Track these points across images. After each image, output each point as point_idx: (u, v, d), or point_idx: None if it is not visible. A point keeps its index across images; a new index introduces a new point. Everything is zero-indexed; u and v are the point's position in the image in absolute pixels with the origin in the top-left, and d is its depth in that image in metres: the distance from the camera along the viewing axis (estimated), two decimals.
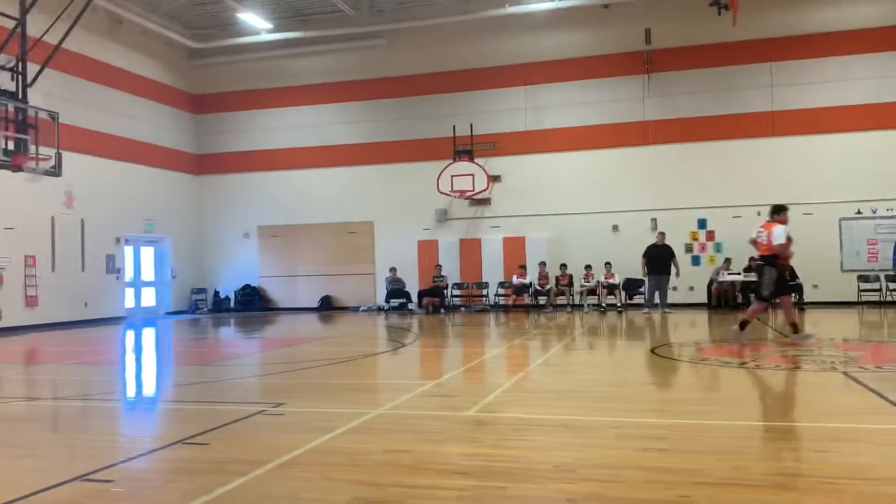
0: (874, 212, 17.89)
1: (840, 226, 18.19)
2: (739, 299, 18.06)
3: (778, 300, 10.84)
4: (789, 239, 10.26)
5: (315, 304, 21.87)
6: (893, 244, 17.03)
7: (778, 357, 9.36)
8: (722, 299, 18.12)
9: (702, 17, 18.49)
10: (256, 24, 20.26)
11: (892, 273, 17.45)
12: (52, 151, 14.02)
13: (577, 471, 4.12)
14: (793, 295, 11.10)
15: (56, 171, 14.13)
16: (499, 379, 8.28)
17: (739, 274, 18.03)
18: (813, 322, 14.78)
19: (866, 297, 17.74)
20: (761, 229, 10.40)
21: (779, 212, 10.39)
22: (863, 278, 17.86)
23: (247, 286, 22.49)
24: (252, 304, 22.22)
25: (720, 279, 18.13)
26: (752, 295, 10.88)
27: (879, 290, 17.69)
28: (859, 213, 18.08)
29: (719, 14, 17.96)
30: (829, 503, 3.50)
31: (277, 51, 21.79)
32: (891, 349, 10.24)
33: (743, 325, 10.54)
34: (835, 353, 9.36)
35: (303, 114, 22.43)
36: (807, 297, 17.79)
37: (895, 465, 4.12)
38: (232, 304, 22.48)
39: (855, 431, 5.05)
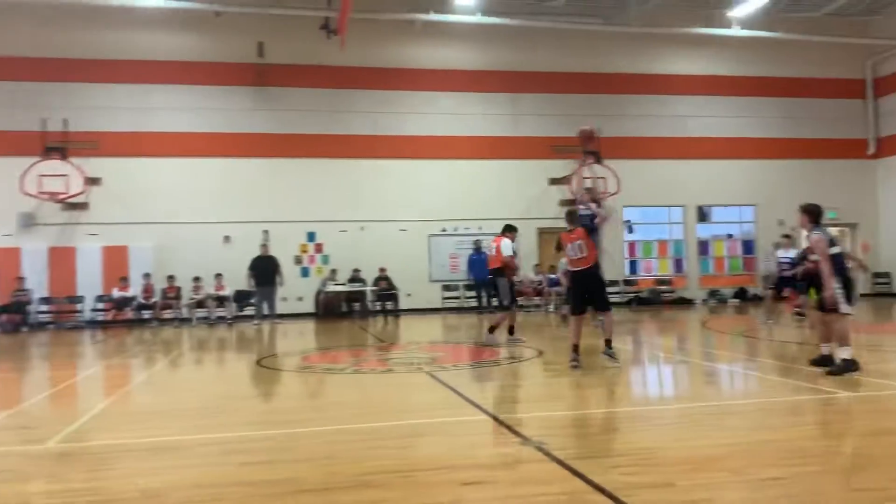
0: (455, 230, 20.49)
1: (429, 241, 20.48)
2: (345, 308, 19.18)
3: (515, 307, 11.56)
4: (515, 253, 11.42)
5: None
6: (467, 258, 19.72)
7: (374, 361, 10.16)
8: (329, 309, 19.03)
9: (314, 38, 19.23)
10: None
11: (468, 282, 20.14)
12: None
13: (171, 494, 3.95)
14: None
15: None
16: (90, 403, 7.52)
17: (344, 284, 19.17)
18: (406, 327, 16.35)
19: (448, 303, 20.24)
20: (492, 244, 11.45)
21: (509, 230, 11.40)
22: (446, 287, 20.35)
23: None
24: None
25: (327, 290, 19.03)
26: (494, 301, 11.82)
27: (458, 297, 20.34)
28: (444, 230, 20.58)
29: (328, 38, 18.90)
30: (406, 496, 3.90)
31: None
32: (465, 349, 11.79)
33: (492, 329, 11.20)
34: (422, 354, 10.47)
35: None
36: (402, 305, 19.62)
37: (464, 453, 4.74)
38: None
39: (433, 426, 5.70)
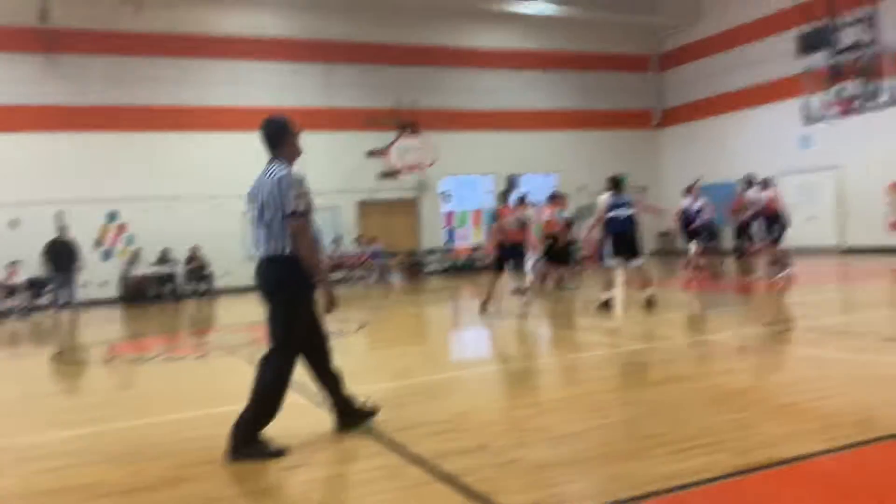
0: None
1: (244, 217, 19.73)
2: (154, 291, 18.12)
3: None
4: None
5: None
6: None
7: (188, 347, 9.72)
8: (136, 293, 17.87)
9: (109, 1, 17.69)
10: None
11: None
12: None
13: None
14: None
15: None
16: None
17: (153, 266, 18.06)
18: (224, 308, 15.79)
19: None
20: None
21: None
22: None
23: None
24: None
25: (133, 273, 17.84)
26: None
27: None
28: None
29: (123, 2, 17.50)
30: (221, 486, 3.79)
31: None
32: None
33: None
34: (239, 336, 10.16)
35: None
36: (218, 285, 18.84)
37: (282, 437, 4.65)
38: None
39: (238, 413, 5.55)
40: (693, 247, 14.20)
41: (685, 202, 14.47)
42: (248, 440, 4.19)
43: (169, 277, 18.35)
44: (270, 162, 4.50)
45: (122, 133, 18.56)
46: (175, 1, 18.89)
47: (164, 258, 18.34)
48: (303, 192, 4.29)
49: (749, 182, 14.06)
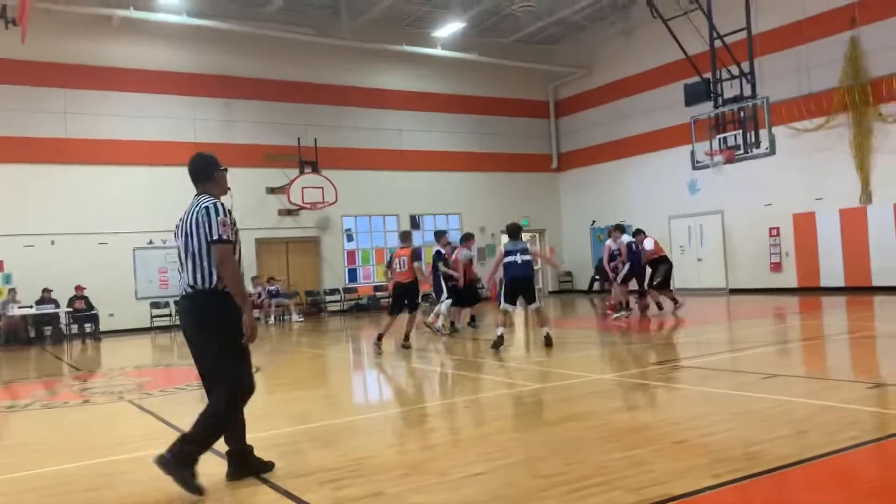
0: (164, 242, 19.08)
1: (134, 255, 18.90)
2: (33, 334, 16.99)
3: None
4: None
5: None
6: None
7: (68, 393, 9.11)
8: (12, 336, 16.69)
9: None
10: None
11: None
12: None
13: None
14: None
15: None
16: None
17: (32, 307, 16.94)
18: (110, 351, 14.95)
19: (158, 322, 18.78)
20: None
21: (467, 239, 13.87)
22: (155, 305, 18.90)
23: None
24: None
25: (8, 314, 16.67)
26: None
27: (170, 315, 18.91)
28: (151, 242, 19.13)
29: (7, 28, 16.63)
30: None
31: None
32: (176, 371, 11.07)
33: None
34: (125, 381, 9.61)
35: None
36: (104, 326, 17.88)
37: (166, 489, 4.37)
38: None
39: (131, 461, 5.22)
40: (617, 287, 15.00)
41: (611, 245, 15.21)
42: (186, 462, 4.07)
43: (50, 319, 17.26)
44: (197, 195, 4.51)
45: (1, 165, 17.51)
46: (63, 31, 18.17)
47: (44, 298, 17.24)
48: (228, 222, 4.30)
49: (621, 229, 14.99)
